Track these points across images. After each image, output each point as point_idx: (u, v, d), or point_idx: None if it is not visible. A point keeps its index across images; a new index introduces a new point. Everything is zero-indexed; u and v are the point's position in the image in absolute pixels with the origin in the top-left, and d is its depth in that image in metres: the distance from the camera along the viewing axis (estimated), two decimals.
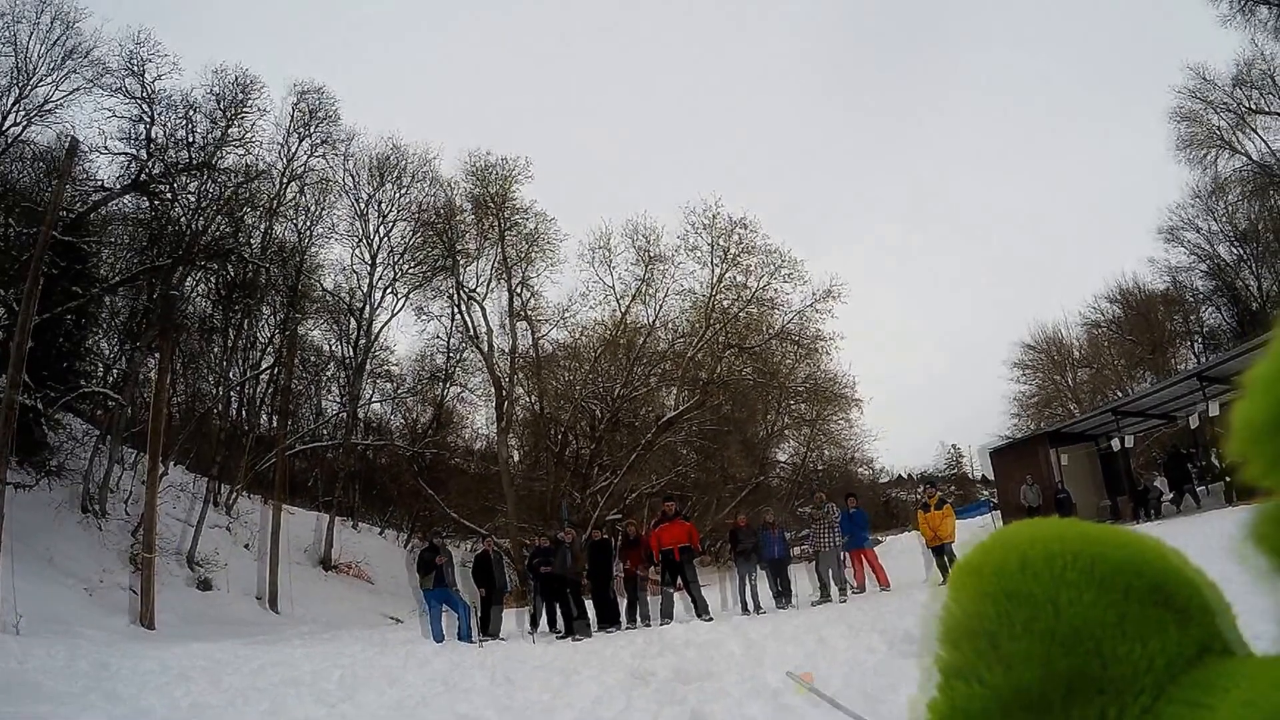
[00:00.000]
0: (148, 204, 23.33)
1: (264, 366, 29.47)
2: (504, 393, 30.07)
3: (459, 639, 12.64)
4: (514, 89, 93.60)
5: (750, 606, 12.77)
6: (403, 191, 31.75)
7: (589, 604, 13.76)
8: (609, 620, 12.98)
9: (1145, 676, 0.46)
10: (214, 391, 28.83)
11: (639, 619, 12.93)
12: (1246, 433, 0.42)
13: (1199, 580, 0.51)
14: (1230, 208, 33.29)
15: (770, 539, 13.32)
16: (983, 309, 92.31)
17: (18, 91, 21.21)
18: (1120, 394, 32.59)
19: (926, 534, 13.27)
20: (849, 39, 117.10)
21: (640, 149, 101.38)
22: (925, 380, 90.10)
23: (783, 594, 13.06)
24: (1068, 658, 0.47)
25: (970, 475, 61.04)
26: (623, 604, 13.24)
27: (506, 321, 30.75)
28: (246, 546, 24.89)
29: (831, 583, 12.81)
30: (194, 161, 23.02)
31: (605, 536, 14.33)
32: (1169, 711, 0.44)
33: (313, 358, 33.04)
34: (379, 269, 31.69)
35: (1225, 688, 0.43)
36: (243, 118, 24.17)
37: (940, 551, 13.00)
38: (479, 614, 13.32)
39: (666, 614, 12.65)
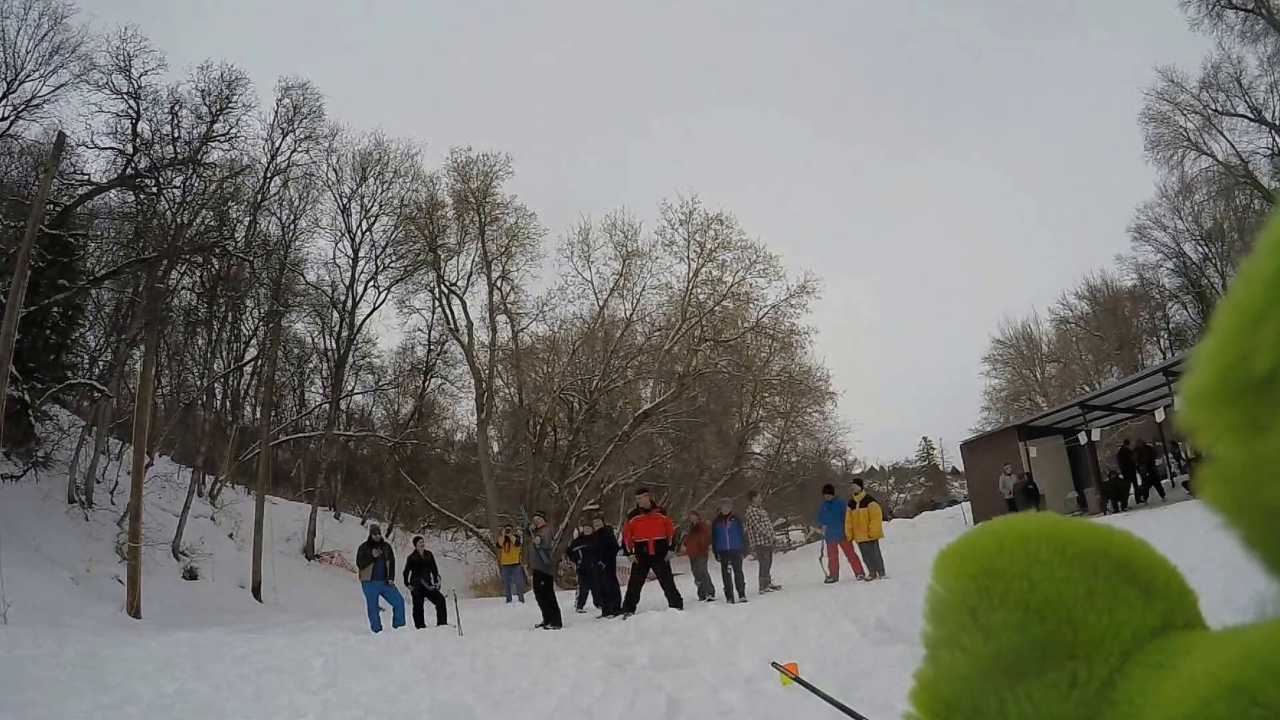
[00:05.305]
0: (134, 198, 23.54)
1: (248, 359, 29.64)
2: (484, 385, 30.42)
3: (394, 629, 13.09)
4: (497, 87, 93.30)
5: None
6: (385, 186, 32.07)
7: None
8: (614, 607, 12.66)
9: (1113, 643, 0.50)
10: (199, 383, 28.93)
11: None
12: (1195, 402, 0.43)
13: (1163, 564, 0.55)
14: (1197, 207, 33.74)
15: (722, 531, 13.31)
16: (968, 304, 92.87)
17: (5, 86, 21.11)
18: (1088, 389, 33.35)
19: (858, 532, 13.44)
20: (836, 44, 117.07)
21: (620, 148, 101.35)
22: (909, 375, 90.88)
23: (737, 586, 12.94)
24: (1041, 625, 0.51)
25: (941, 468, 61.98)
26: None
27: (487, 315, 31.15)
28: (231, 536, 24.94)
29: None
30: (180, 157, 23.17)
31: (607, 526, 14.02)
32: (1135, 673, 0.48)
33: (296, 350, 33.45)
34: (361, 263, 32.07)
35: (1188, 652, 0.46)
36: (228, 113, 24.28)
37: (870, 548, 13.28)
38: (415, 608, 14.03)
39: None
